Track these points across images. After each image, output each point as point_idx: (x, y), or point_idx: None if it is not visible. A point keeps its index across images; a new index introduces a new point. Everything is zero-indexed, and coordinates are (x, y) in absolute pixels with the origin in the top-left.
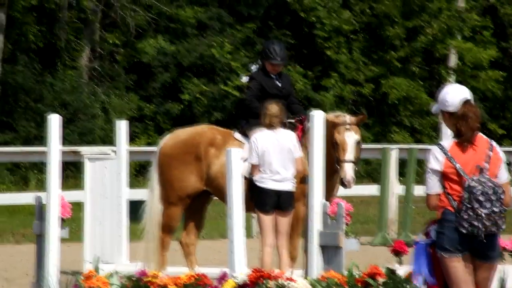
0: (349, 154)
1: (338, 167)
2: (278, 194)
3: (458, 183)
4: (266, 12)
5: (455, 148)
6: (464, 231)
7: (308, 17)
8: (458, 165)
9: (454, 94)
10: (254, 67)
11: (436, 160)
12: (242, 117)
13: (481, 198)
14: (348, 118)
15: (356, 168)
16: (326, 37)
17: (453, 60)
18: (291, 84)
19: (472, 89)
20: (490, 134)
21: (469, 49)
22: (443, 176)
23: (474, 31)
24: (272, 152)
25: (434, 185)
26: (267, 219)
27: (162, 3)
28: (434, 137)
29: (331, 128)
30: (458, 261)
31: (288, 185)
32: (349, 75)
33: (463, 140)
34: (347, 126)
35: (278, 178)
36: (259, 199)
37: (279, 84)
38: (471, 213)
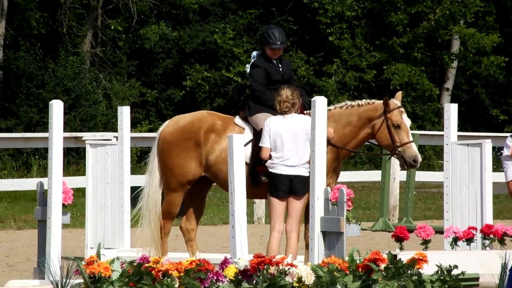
0: (410, 135)
1: (399, 150)
2: (290, 179)
3: None
4: None
5: None
6: None
7: (311, 3)
8: None
9: None
10: (255, 53)
11: (507, 146)
12: (244, 102)
13: None
14: (398, 102)
15: None
16: (328, 23)
17: (455, 46)
18: (292, 69)
19: (475, 74)
20: (492, 120)
21: (471, 35)
22: None
23: (477, 16)
24: (284, 138)
25: (509, 172)
26: (279, 205)
27: None
28: (436, 122)
29: (382, 113)
30: None
31: (301, 171)
32: (352, 61)
33: None
34: (402, 109)
35: (290, 163)
36: (272, 184)
37: (281, 69)
38: None
